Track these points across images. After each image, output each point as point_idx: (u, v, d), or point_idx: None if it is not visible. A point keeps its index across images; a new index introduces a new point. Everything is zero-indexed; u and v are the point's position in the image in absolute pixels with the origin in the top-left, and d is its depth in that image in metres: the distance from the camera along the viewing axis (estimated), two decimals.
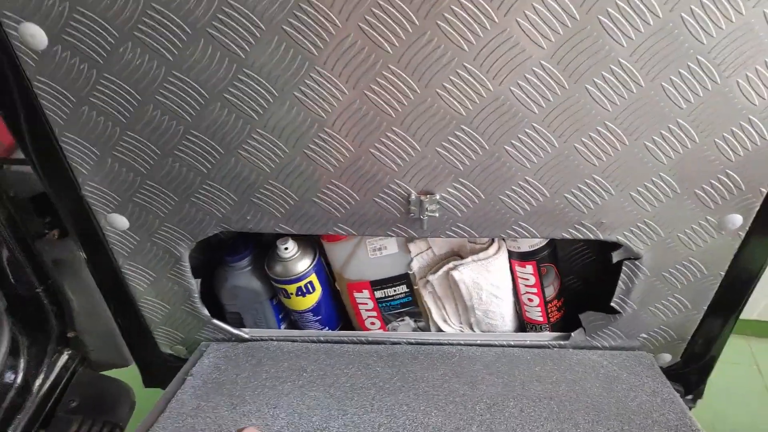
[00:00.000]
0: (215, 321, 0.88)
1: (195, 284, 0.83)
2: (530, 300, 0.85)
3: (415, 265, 0.83)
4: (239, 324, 0.92)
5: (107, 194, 0.71)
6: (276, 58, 0.58)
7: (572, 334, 0.86)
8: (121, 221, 0.74)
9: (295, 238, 0.86)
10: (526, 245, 0.79)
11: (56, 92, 0.62)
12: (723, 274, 0.76)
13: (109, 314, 0.97)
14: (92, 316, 1.06)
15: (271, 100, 0.61)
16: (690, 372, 0.92)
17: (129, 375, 1.06)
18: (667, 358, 0.89)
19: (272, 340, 0.90)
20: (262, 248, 0.90)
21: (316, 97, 0.60)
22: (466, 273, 0.80)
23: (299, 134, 0.63)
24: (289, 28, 0.56)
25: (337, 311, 0.94)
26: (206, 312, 0.86)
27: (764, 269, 0.77)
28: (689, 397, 0.98)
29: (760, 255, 0.74)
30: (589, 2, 0.53)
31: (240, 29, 0.56)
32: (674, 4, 0.53)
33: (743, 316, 1.94)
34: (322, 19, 0.55)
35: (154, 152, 0.66)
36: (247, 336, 0.90)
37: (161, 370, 0.98)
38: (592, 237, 0.72)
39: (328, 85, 0.59)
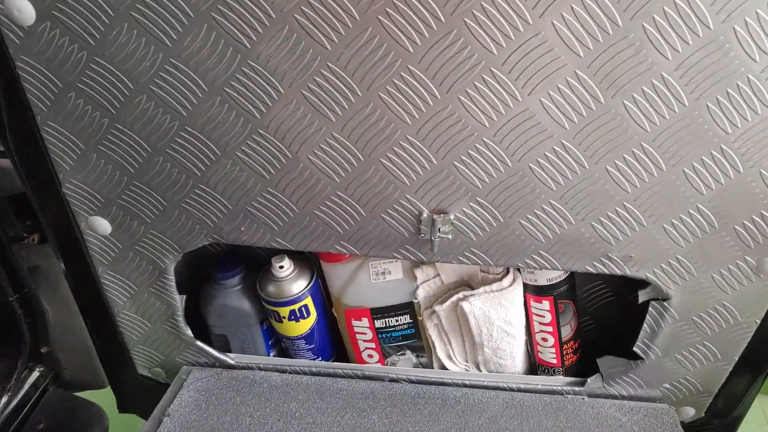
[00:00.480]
0: (199, 343, 0.80)
1: (179, 301, 0.76)
2: (544, 339, 0.78)
3: (421, 294, 0.76)
4: (225, 348, 0.84)
5: (90, 194, 0.65)
6: (285, 51, 0.53)
7: (588, 380, 0.79)
8: (103, 225, 0.68)
9: (292, 256, 0.79)
10: (544, 278, 0.72)
11: (41, 75, 0.56)
12: (758, 322, 0.69)
13: (87, 330, 0.90)
14: (69, 331, 0.98)
15: (276, 98, 0.55)
16: (713, 430, 0.84)
17: (103, 398, 0.98)
18: (690, 412, 0.81)
19: (259, 368, 0.82)
20: (254, 267, 0.83)
21: (326, 96, 0.55)
22: (476, 305, 0.73)
23: (304, 138, 0.58)
24: (302, 17, 0.51)
25: (332, 341, 0.86)
26: (189, 333, 0.79)
27: None
28: None
29: None
30: (634, 7, 0.48)
31: (247, 15, 0.51)
32: (728, 15, 0.48)
33: None
34: (339, 9, 0.50)
35: (144, 149, 0.61)
36: (232, 362, 0.82)
37: (138, 394, 0.90)
38: (618, 272, 0.65)
39: (340, 85, 0.54)
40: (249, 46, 0.53)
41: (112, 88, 0.56)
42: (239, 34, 0.52)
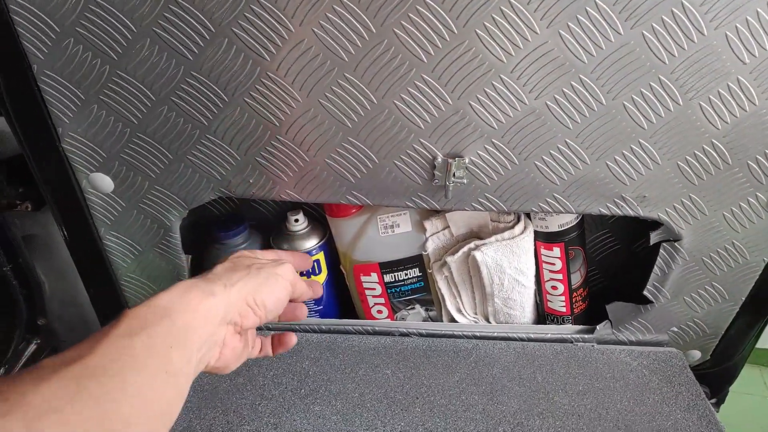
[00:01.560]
0: None
1: (185, 260, 0.74)
2: (554, 288, 0.78)
3: (430, 246, 0.76)
4: None
5: (91, 149, 0.63)
6: None
7: (597, 327, 0.79)
8: (106, 182, 0.66)
9: (305, 213, 0.78)
10: (555, 225, 0.72)
11: (37, 19, 0.53)
12: (766, 261, 0.70)
13: (85, 300, 0.88)
14: (67, 303, 0.96)
15: (286, 37, 0.53)
16: (718, 372, 0.86)
17: None
18: (696, 355, 0.82)
19: (268, 329, 0.81)
20: (259, 227, 0.82)
21: (339, 34, 0.53)
22: (489, 254, 0.72)
23: (315, 80, 0.56)
24: None
25: (339, 304, 0.86)
26: None
27: None
28: (713, 400, 0.92)
29: None
30: None
31: None
32: None
33: (757, 345, 1.90)
34: None
35: (148, 98, 0.58)
36: None
37: None
38: (632, 213, 0.65)
39: (354, 22, 0.52)
40: None
41: (114, 32, 0.54)
42: None
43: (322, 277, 0.79)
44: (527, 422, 0.67)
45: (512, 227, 0.73)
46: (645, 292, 0.74)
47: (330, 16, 0.52)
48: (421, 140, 0.60)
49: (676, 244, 0.68)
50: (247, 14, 0.52)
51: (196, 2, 0.52)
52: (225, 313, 0.44)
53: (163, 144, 0.62)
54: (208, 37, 0.54)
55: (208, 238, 0.78)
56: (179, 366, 0.38)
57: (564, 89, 0.56)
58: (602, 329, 0.79)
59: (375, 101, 0.57)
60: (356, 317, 0.85)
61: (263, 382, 0.72)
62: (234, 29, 0.53)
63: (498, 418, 0.68)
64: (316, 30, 0.53)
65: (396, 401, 0.70)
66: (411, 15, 0.52)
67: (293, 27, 0.53)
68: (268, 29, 0.53)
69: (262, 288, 0.47)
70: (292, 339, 0.57)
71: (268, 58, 0.55)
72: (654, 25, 0.52)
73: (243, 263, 0.50)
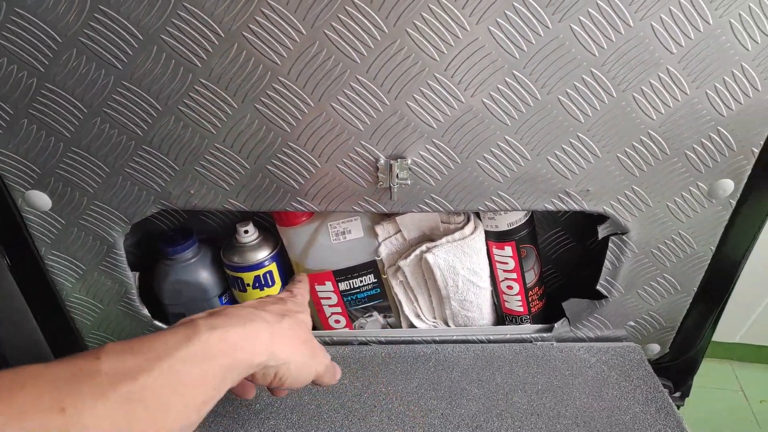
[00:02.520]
0: (158, 323, 0.77)
1: (132, 278, 0.72)
2: (509, 288, 0.77)
3: (383, 251, 0.75)
4: None
5: (24, 165, 0.61)
6: None
7: (555, 325, 0.79)
8: (43, 200, 0.64)
9: (255, 224, 0.77)
10: (505, 223, 0.72)
11: None
12: (713, 250, 0.71)
13: (34, 322, 0.85)
14: (14, 324, 0.93)
15: (216, 43, 0.53)
16: (679, 365, 0.86)
17: None
18: (655, 349, 0.83)
19: None
20: (208, 241, 0.80)
21: (269, 37, 0.53)
22: (440, 256, 0.72)
23: (249, 85, 0.55)
24: None
25: None
26: (146, 312, 0.75)
27: (754, 244, 0.72)
28: (677, 394, 0.92)
29: (751, 227, 0.69)
30: None
31: None
32: None
33: (726, 339, 1.93)
34: None
35: (79, 110, 0.57)
36: None
37: None
38: (577, 208, 0.65)
39: (284, 24, 0.52)
40: None
41: (38, 42, 0.53)
42: None
43: (276, 288, 0.77)
44: (486, 424, 0.66)
45: (462, 228, 0.72)
46: (598, 287, 0.74)
47: (258, 19, 0.52)
48: (362, 142, 0.60)
49: (624, 237, 0.69)
50: (174, 20, 0.52)
51: (122, 10, 0.51)
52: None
53: (98, 157, 0.60)
54: (136, 45, 0.53)
55: (156, 254, 0.76)
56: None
57: (499, 86, 0.56)
58: (560, 327, 0.79)
59: (312, 104, 0.57)
60: (314, 328, 0.84)
61: None
62: (162, 36, 0.52)
63: (457, 421, 0.67)
64: (246, 34, 0.52)
65: (353, 411, 0.68)
66: (340, 16, 0.52)
67: (222, 32, 0.52)
68: (197, 35, 0.52)
69: (300, 373, 0.52)
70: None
71: (199, 65, 0.54)
72: (581, 18, 0.52)
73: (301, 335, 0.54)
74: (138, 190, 0.63)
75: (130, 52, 0.53)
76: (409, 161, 0.61)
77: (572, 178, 0.63)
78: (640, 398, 0.70)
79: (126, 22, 0.52)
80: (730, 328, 1.79)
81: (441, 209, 0.65)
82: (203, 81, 0.55)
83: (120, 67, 0.54)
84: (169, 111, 0.57)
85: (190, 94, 0.56)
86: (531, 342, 0.79)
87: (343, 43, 0.53)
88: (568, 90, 0.56)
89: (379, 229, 0.74)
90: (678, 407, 0.91)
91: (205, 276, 0.76)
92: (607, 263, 0.72)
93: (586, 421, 0.67)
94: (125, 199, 0.64)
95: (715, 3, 0.52)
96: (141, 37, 0.53)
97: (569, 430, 0.65)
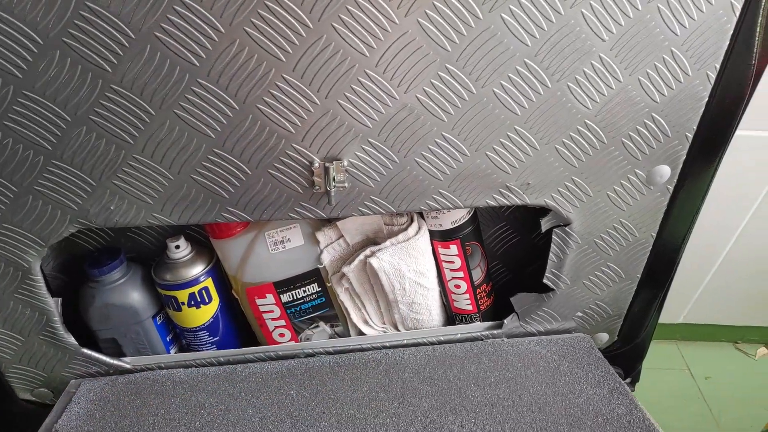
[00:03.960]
0: (86, 351, 0.71)
1: (54, 305, 0.66)
2: (457, 287, 0.76)
3: (326, 258, 0.72)
4: (118, 354, 0.75)
5: None
6: None
7: (504, 321, 0.78)
8: None
9: (188, 238, 0.72)
10: (448, 222, 0.70)
11: None
12: (654, 236, 0.71)
13: None
14: None
15: (127, 45, 0.48)
16: (628, 352, 0.87)
17: None
18: (604, 337, 0.83)
19: (160, 368, 0.74)
20: (138, 260, 0.75)
21: (185, 38, 0.49)
22: (385, 259, 0.69)
23: (165, 89, 0.51)
24: None
25: (238, 334, 0.80)
26: (72, 340, 0.70)
27: (690, 232, 0.73)
28: (628, 380, 0.93)
29: (689, 211, 0.70)
30: None
31: None
32: None
33: (670, 320, 1.98)
34: None
35: None
36: (128, 366, 0.74)
37: (21, 422, 0.78)
38: (519, 202, 0.64)
39: (199, 21, 0.48)
40: None
41: None
42: None
43: (213, 305, 0.73)
44: (440, 419, 0.64)
45: (406, 229, 0.70)
46: (545, 280, 0.73)
47: (172, 18, 0.48)
48: (294, 145, 0.56)
49: (566, 228, 0.68)
50: (77, 21, 0.47)
51: (27, 18, 0.46)
52: None
53: (4, 176, 0.55)
54: (36, 50, 0.48)
55: (82, 276, 0.71)
56: None
57: (432, 80, 0.54)
58: (510, 323, 0.78)
59: (236, 107, 0.53)
60: (257, 344, 0.80)
61: (153, 421, 0.65)
62: (65, 39, 0.48)
63: (410, 419, 0.64)
64: (158, 34, 0.48)
65: (300, 419, 0.65)
66: (260, 11, 0.48)
67: (134, 34, 0.48)
68: (104, 38, 0.48)
69: None
70: None
71: (109, 69, 0.50)
72: (511, 7, 0.51)
73: None
74: (52, 210, 0.57)
75: (30, 58, 0.48)
76: (346, 163, 0.58)
77: (512, 172, 0.62)
78: (593, 382, 0.70)
79: (27, 28, 0.47)
80: (673, 309, 1.84)
81: (382, 211, 0.63)
82: (115, 87, 0.50)
83: (20, 75, 0.49)
84: (80, 121, 0.52)
85: (101, 101, 0.51)
86: (482, 339, 0.78)
87: (266, 41, 0.50)
88: (503, 82, 0.55)
89: (320, 236, 0.71)
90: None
91: (135, 297, 0.71)
92: (552, 255, 0.71)
93: (540, 407, 0.66)
94: (38, 220, 0.58)
95: None
96: (42, 42, 0.48)
97: (524, 416, 0.64)
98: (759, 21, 0.56)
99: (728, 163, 1.28)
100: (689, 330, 1.93)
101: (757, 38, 0.56)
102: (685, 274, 1.62)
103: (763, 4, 0.54)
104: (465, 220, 0.71)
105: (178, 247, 0.70)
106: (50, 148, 0.53)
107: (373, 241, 0.73)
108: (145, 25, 0.48)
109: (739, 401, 1.77)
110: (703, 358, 1.91)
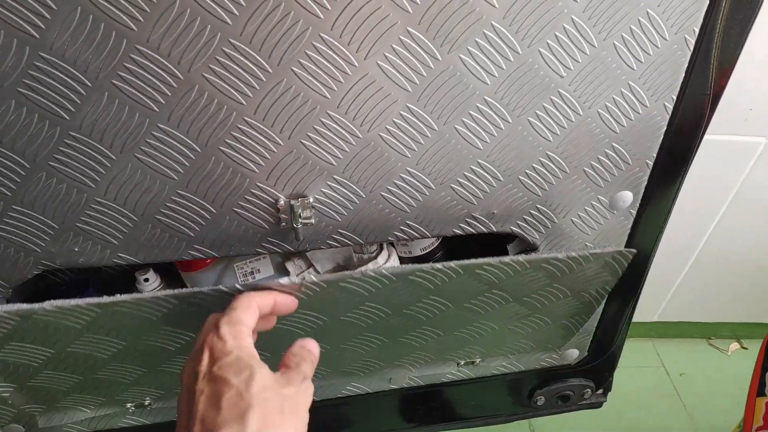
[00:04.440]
0: None
1: None
2: None
3: None
4: None
5: None
6: (83, 36, 0.45)
7: None
8: None
9: (158, 268, 0.72)
10: (418, 248, 0.71)
11: None
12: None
13: None
14: None
15: (83, 93, 0.48)
16: (598, 365, 0.89)
17: None
18: (574, 354, 0.85)
19: None
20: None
21: (143, 84, 0.48)
22: None
23: (126, 134, 0.51)
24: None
25: None
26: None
27: (656, 248, 0.75)
28: (600, 391, 0.95)
29: (651, 233, 0.72)
30: None
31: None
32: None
33: (645, 318, 2.01)
34: None
35: None
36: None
37: None
38: (485, 230, 0.65)
39: (157, 69, 0.48)
40: (38, 36, 0.45)
41: None
42: (24, 24, 0.44)
43: None
44: None
45: (375, 257, 0.71)
46: None
47: (128, 66, 0.47)
48: (258, 184, 0.56)
49: (534, 253, 0.69)
50: (32, 72, 0.46)
51: None
52: None
53: None
54: None
55: None
56: None
57: (394, 119, 0.54)
58: None
59: (198, 150, 0.53)
60: None
61: None
62: (20, 89, 0.47)
63: None
64: (116, 82, 0.48)
65: None
66: (219, 58, 0.48)
67: (90, 82, 0.47)
68: (60, 86, 0.47)
69: None
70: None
71: (68, 117, 0.49)
72: (469, 48, 0.51)
73: None
74: (14, 253, 0.57)
75: None
76: (311, 199, 0.58)
77: (477, 202, 0.62)
78: None
79: None
80: (648, 308, 1.88)
81: (350, 243, 0.63)
82: (73, 134, 0.50)
83: None
84: (39, 167, 0.51)
85: (60, 148, 0.51)
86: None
87: (225, 86, 0.49)
88: (464, 119, 0.56)
89: (290, 266, 0.71)
90: (601, 403, 0.94)
91: None
92: None
93: None
94: (1, 264, 0.58)
95: (599, 27, 0.52)
96: None
97: None
98: (713, 53, 0.57)
99: (699, 164, 1.31)
100: (664, 328, 1.96)
101: (712, 69, 0.58)
102: (660, 273, 1.66)
103: (716, 38, 0.56)
104: (435, 245, 0.72)
105: (147, 279, 0.70)
106: (9, 194, 0.53)
107: (345, 267, 0.74)
108: (101, 72, 0.47)
109: (713, 396, 1.81)
110: (677, 355, 1.95)
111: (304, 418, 0.45)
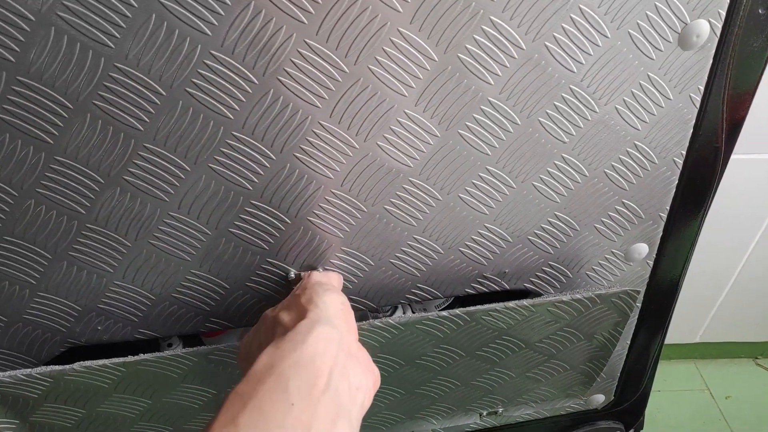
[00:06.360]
0: None
1: None
2: None
3: None
4: None
5: None
6: (96, 141, 0.48)
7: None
8: None
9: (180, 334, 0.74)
10: (432, 306, 0.71)
11: None
12: (639, 306, 0.72)
13: None
14: None
15: (97, 189, 0.51)
16: (626, 408, 0.87)
17: None
18: (600, 398, 0.83)
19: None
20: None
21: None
22: None
23: (140, 223, 0.53)
24: (102, 103, 0.46)
25: None
26: None
27: (678, 295, 0.73)
28: (631, 431, 0.93)
29: (671, 281, 0.70)
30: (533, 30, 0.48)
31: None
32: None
33: (687, 340, 1.94)
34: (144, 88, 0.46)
35: None
36: None
37: None
38: (498, 288, 0.65)
39: (164, 163, 0.50)
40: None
41: None
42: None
43: None
44: None
45: (390, 315, 0.71)
46: None
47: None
48: (269, 260, 0.58)
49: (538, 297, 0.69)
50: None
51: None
52: None
53: None
54: (12, 201, 0.50)
55: None
56: None
57: (398, 192, 0.55)
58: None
59: (209, 232, 0.55)
60: None
61: None
62: (38, 190, 0.50)
63: None
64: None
65: None
66: (223, 149, 0.50)
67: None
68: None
69: None
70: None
71: (84, 211, 0.52)
72: (468, 123, 0.52)
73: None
74: (42, 333, 0.60)
75: (7, 207, 0.51)
76: (321, 270, 0.59)
77: (488, 263, 0.63)
78: None
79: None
80: (689, 329, 1.82)
81: (362, 308, 0.64)
82: (90, 225, 0.53)
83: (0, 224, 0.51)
84: (59, 258, 0.54)
85: (78, 239, 0.53)
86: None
87: (230, 173, 0.51)
88: (467, 188, 0.56)
89: None
90: None
91: None
92: None
93: None
94: (32, 345, 0.60)
95: (598, 93, 0.52)
96: (16, 193, 0.50)
97: None
98: (722, 108, 0.56)
99: (736, 183, 1.27)
100: (707, 348, 1.89)
101: (722, 122, 0.57)
102: (700, 293, 1.61)
103: (723, 93, 0.55)
104: (449, 302, 0.72)
105: (170, 345, 0.72)
106: (34, 282, 0.56)
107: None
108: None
109: (763, 420, 1.73)
110: (722, 377, 1.87)
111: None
